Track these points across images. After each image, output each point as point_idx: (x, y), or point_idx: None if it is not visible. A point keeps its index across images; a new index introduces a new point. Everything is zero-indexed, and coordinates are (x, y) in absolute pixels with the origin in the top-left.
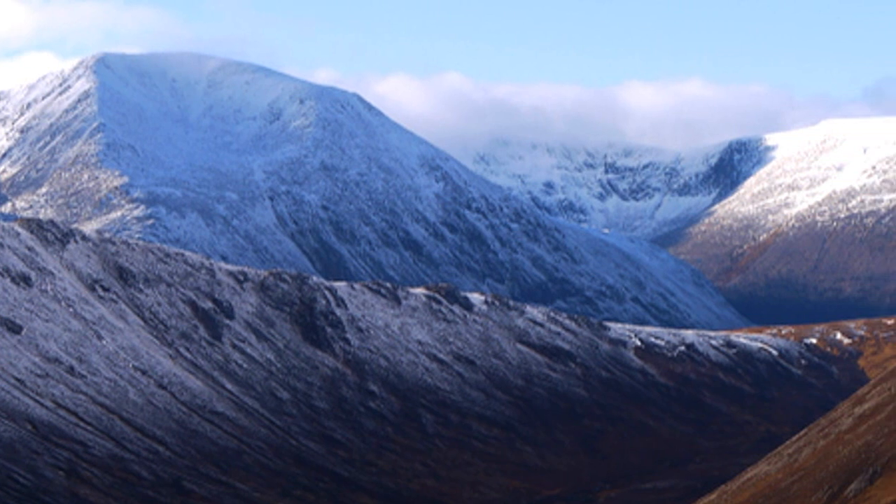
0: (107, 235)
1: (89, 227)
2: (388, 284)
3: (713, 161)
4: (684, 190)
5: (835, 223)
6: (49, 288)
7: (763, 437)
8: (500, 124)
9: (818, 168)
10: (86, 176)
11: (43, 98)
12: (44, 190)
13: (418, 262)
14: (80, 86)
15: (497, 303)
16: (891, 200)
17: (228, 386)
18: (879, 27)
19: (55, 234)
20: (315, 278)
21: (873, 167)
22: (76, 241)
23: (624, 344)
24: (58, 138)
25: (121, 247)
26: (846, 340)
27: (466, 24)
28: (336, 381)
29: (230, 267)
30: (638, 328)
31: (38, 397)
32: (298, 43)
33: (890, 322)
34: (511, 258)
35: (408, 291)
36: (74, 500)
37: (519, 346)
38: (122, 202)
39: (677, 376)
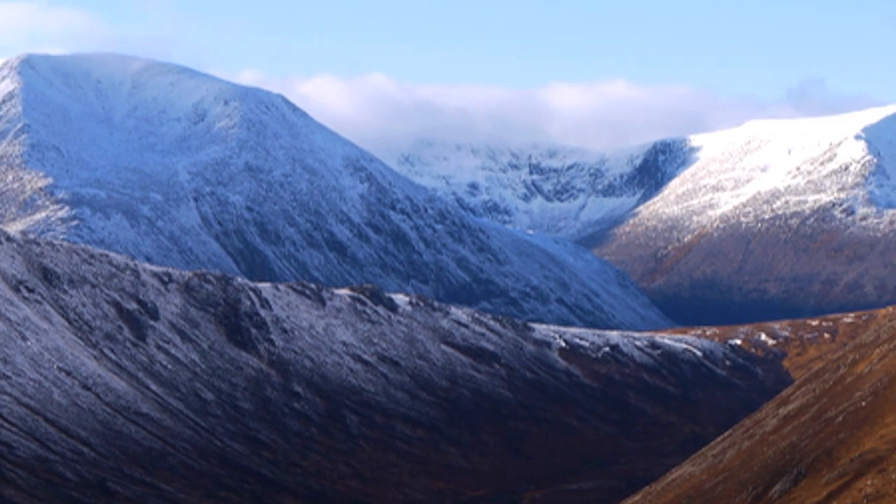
0: (31, 236)
1: (14, 228)
2: (313, 285)
3: (638, 162)
4: (609, 191)
5: (759, 224)
6: None
7: (687, 438)
8: (425, 125)
9: (742, 169)
10: (10, 177)
11: None
12: None
13: (343, 262)
14: (5, 87)
15: (421, 304)
16: (815, 201)
17: (153, 387)
18: (803, 28)
19: None
20: (239, 279)
21: (797, 168)
22: (1, 243)
23: (548, 345)
24: None
25: (45, 248)
26: (770, 341)
27: (391, 26)
28: (260, 382)
29: (155, 268)
30: (562, 329)
31: None
32: (223, 44)
33: (814, 323)
34: (436, 259)
35: (332, 292)
36: None
37: (443, 346)
38: (47, 203)
39: (602, 377)
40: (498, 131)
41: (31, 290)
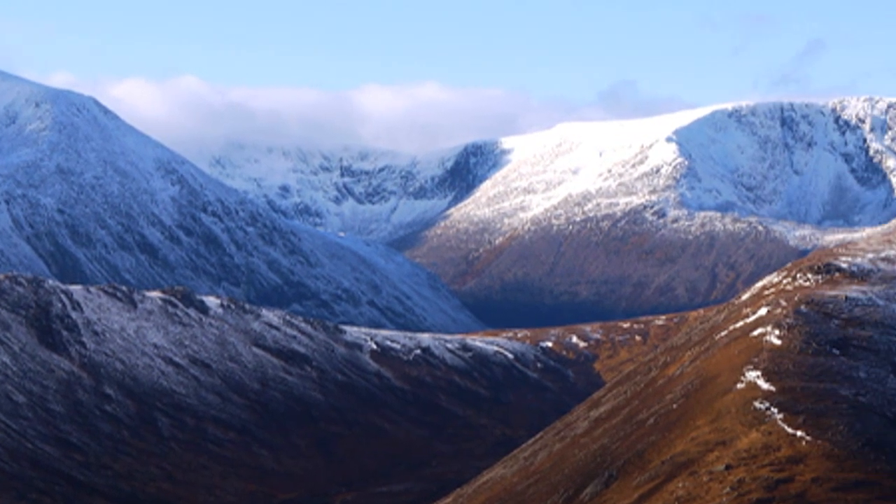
0: None
1: None
2: (124, 288)
3: (449, 164)
4: (420, 193)
5: (570, 226)
6: None
7: (499, 441)
8: (236, 128)
9: (554, 171)
10: None
11: None
12: None
13: (154, 265)
14: None
15: (233, 306)
16: (626, 204)
17: None
18: (614, 31)
19: None
20: (51, 282)
21: (609, 170)
22: None
23: (360, 347)
24: None
25: None
26: (582, 344)
27: (202, 28)
28: (72, 384)
29: None
30: (374, 331)
31: None
32: (34, 46)
33: (625, 325)
34: (247, 261)
35: (143, 295)
36: None
37: (255, 349)
38: None
39: (413, 380)
40: (309, 134)
41: None
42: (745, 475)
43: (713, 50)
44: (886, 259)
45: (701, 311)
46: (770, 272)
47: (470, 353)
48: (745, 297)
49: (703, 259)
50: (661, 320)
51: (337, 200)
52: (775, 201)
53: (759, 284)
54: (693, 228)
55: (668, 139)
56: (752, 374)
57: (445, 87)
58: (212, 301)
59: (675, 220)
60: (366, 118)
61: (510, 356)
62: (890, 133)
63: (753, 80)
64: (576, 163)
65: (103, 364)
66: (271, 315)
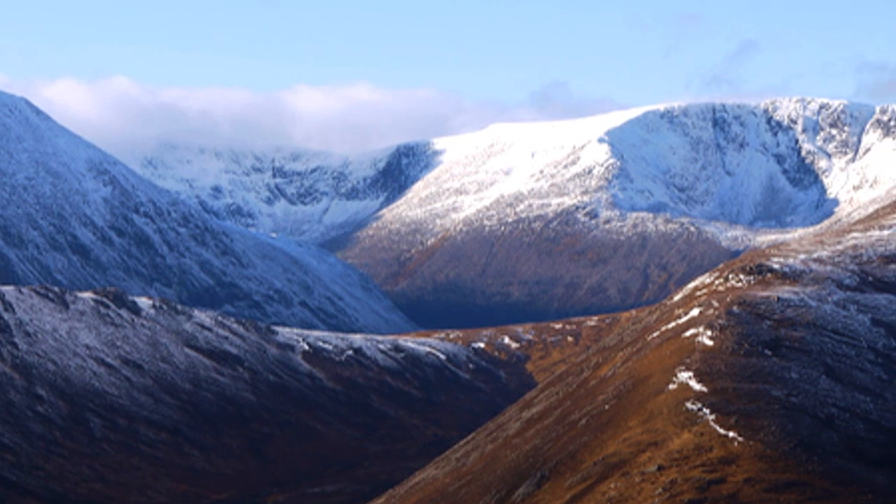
0: None
1: None
2: (56, 289)
3: (381, 165)
4: (352, 194)
5: (503, 227)
6: None
7: (431, 441)
8: (168, 128)
9: (486, 172)
10: None
11: None
12: None
13: (86, 266)
14: None
15: (165, 307)
16: (558, 205)
17: None
18: (546, 31)
19: None
20: None
21: (541, 171)
22: None
23: (292, 348)
24: None
25: None
26: (514, 344)
27: (133, 29)
28: (4, 385)
29: None
30: (306, 332)
31: None
32: None
33: (557, 326)
34: (179, 262)
35: (76, 296)
36: None
37: (187, 350)
38: None
39: (345, 380)
40: (241, 134)
41: None
42: (677, 476)
43: (644, 51)
44: (818, 260)
45: (633, 311)
46: (702, 273)
47: (402, 354)
48: (677, 297)
49: (635, 260)
50: (593, 321)
51: (269, 201)
52: (707, 202)
53: (691, 285)
54: (625, 229)
55: (600, 140)
56: (684, 375)
57: (377, 87)
58: (144, 302)
59: (608, 221)
60: (297, 119)
61: (442, 357)
62: (822, 134)
63: (685, 80)
64: (508, 163)
65: (35, 365)
66: (203, 316)
